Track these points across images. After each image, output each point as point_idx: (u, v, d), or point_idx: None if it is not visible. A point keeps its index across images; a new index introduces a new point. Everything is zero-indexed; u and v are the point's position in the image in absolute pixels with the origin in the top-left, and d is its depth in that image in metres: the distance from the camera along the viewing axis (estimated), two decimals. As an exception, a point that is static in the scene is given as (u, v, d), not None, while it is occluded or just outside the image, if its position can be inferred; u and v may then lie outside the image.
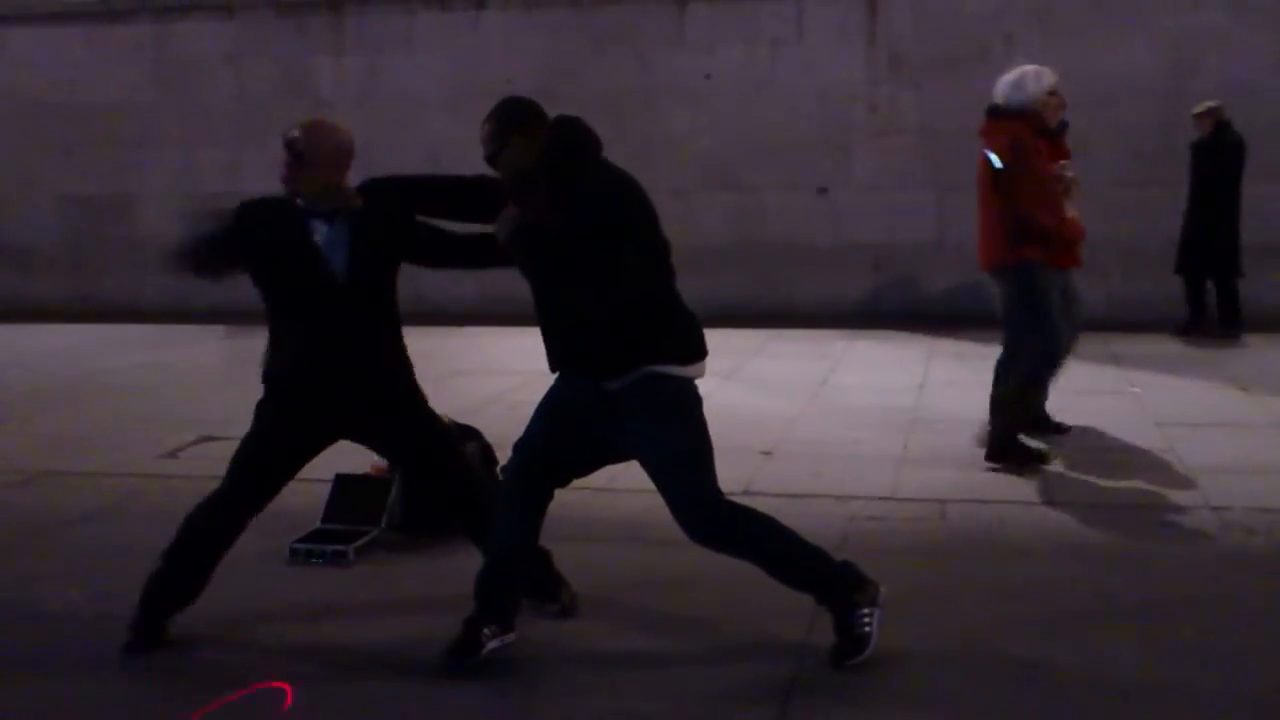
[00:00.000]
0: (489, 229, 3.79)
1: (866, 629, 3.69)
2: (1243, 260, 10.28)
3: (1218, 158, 10.23)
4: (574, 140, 3.67)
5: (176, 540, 3.96)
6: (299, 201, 3.91)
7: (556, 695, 3.63)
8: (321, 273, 3.88)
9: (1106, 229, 11.62)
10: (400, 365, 4.06)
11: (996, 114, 6.12)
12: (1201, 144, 10.31)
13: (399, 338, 4.07)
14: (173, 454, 6.76)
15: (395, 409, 4.03)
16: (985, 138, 6.13)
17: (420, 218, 4.02)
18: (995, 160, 5.97)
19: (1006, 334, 6.31)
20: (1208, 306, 10.52)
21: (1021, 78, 6.10)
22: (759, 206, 12.52)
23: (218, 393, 8.04)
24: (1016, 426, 6.15)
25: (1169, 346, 9.97)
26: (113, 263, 13.49)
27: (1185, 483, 5.79)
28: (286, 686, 3.60)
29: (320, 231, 3.89)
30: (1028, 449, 6.10)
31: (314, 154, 3.85)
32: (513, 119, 3.64)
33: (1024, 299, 6.07)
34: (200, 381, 9.12)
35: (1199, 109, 10.33)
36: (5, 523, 5.47)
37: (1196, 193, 10.36)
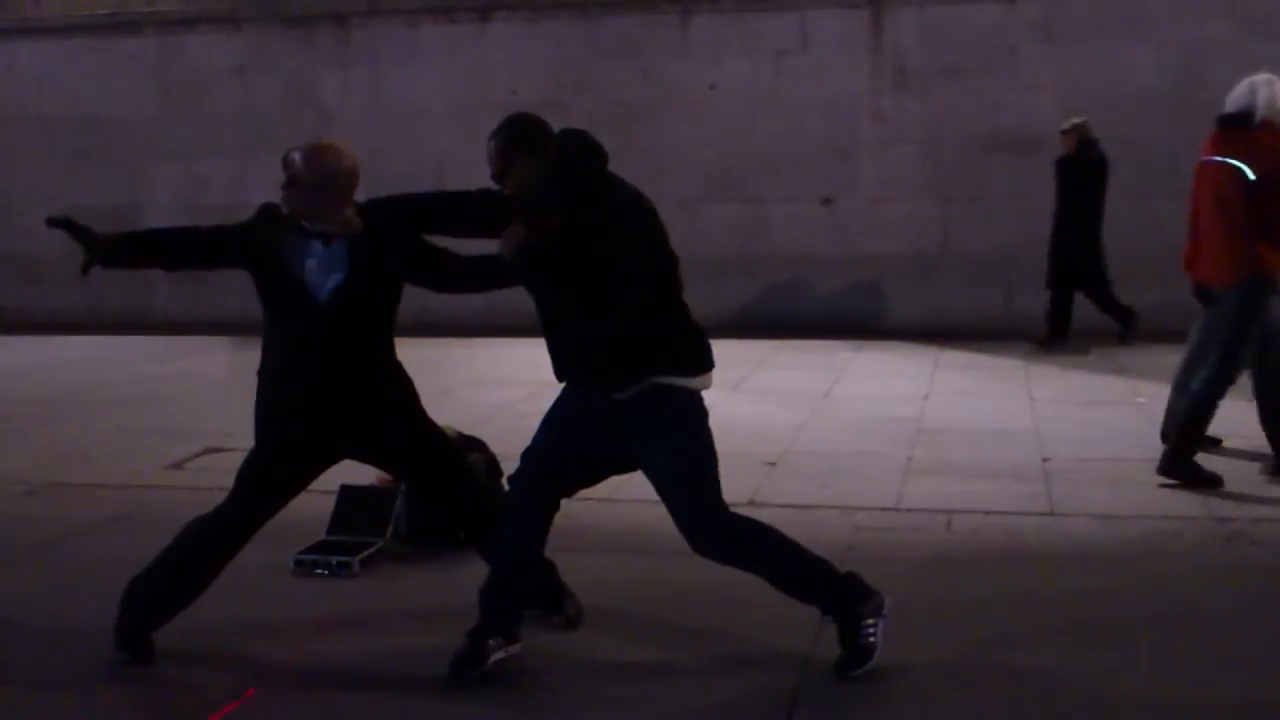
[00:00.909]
0: (493, 250, 3.77)
1: (871, 640, 3.69)
2: (1108, 270, 10.63)
3: (1081, 174, 10.50)
4: (581, 155, 3.67)
5: (171, 551, 3.95)
6: (303, 222, 3.90)
7: (561, 707, 3.63)
8: (300, 295, 3.87)
9: (1110, 240, 11.67)
10: (390, 383, 4.03)
11: (1239, 124, 5.90)
12: (1065, 160, 10.59)
13: (389, 356, 4.03)
14: (178, 465, 6.77)
15: (391, 426, 4.02)
16: (1223, 148, 5.93)
17: (424, 239, 4.00)
18: (1249, 171, 5.77)
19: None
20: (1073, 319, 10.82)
21: (1272, 88, 5.87)
22: (764, 217, 12.53)
23: (224, 404, 8.04)
24: (1194, 446, 5.97)
25: (1175, 357, 9.91)
26: (120, 274, 13.47)
27: (1191, 494, 5.77)
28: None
29: (315, 253, 3.88)
30: (1200, 471, 5.91)
31: (307, 179, 3.82)
32: (517, 137, 3.63)
33: (1244, 315, 5.87)
34: (206, 393, 9.14)
35: (1065, 126, 10.60)
36: (10, 534, 5.47)
37: (1062, 208, 10.66)
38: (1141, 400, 8.13)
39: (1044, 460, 6.46)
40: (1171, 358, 9.80)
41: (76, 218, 3.86)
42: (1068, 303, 10.77)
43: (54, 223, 3.88)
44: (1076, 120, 10.55)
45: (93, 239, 3.87)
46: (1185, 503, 5.62)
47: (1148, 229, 11.62)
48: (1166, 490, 5.82)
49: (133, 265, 4.11)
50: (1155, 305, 11.49)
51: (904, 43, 12.25)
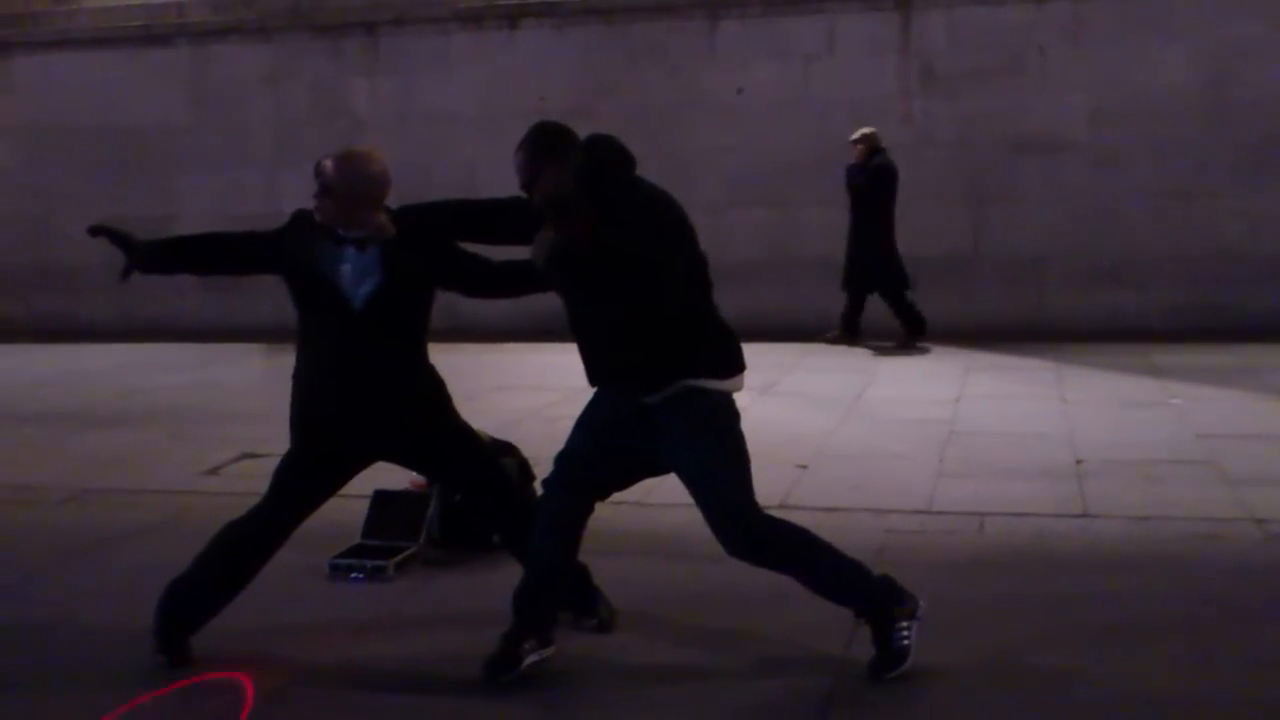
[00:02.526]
0: (524, 255, 3.79)
1: (905, 642, 3.69)
2: (907, 273, 11.06)
3: (869, 182, 10.99)
4: (608, 160, 3.68)
5: (208, 553, 4.00)
6: (337, 229, 3.94)
7: (595, 710, 3.64)
8: (336, 301, 3.91)
9: (1144, 241, 11.63)
10: (423, 388, 4.05)
11: None
12: (854, 169, 11.10)
13: (422, 361, 4.06)
14: (214, 471, 6.83)
15: (423, 430, 4.05)
16: None
17: (456, 244, 4.04)
18: None
19: None
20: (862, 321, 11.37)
21: None
22: (793, 221, 12.51)
23: (258, 410, 8.10)
24: None
25: (1209, 358, 9.89)
26: (155, 283, 13.63)
27: (1226, 495, 5.74)
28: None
29: (350, 259, 3.92)
30: None
31: (340, 186, 3.85)
32: (544, 146, 3.64)
33: None
34: (240, 399, 9.21)
35: (854, 136, 11.09)
36: (50, 540, 5.53)
37: (854, 215, 11.15)
38: (1176, 401, 8.08)
39: (1077, 462, 6.43)
40: (1204, 358, 9.80)
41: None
42: (860, 305, 11.30)
43: (95, 231, 3.95)
44: (865, 130, 11.10)
45: (132, 244, 3.94)
46: (1221, 504, 5.58)
47: (1179, 230, 11.57)
48: (1202, 492, 5.78)
49: (170, 270, 4.16)
50: (1188, 306, 11.44)
51: (932, 45, 12.21)
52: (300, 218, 4.01)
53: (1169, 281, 11.59)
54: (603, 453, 3.81)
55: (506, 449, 5.10)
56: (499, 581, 4.19)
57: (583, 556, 3.99)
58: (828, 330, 11.37)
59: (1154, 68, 11.63)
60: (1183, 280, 11.54)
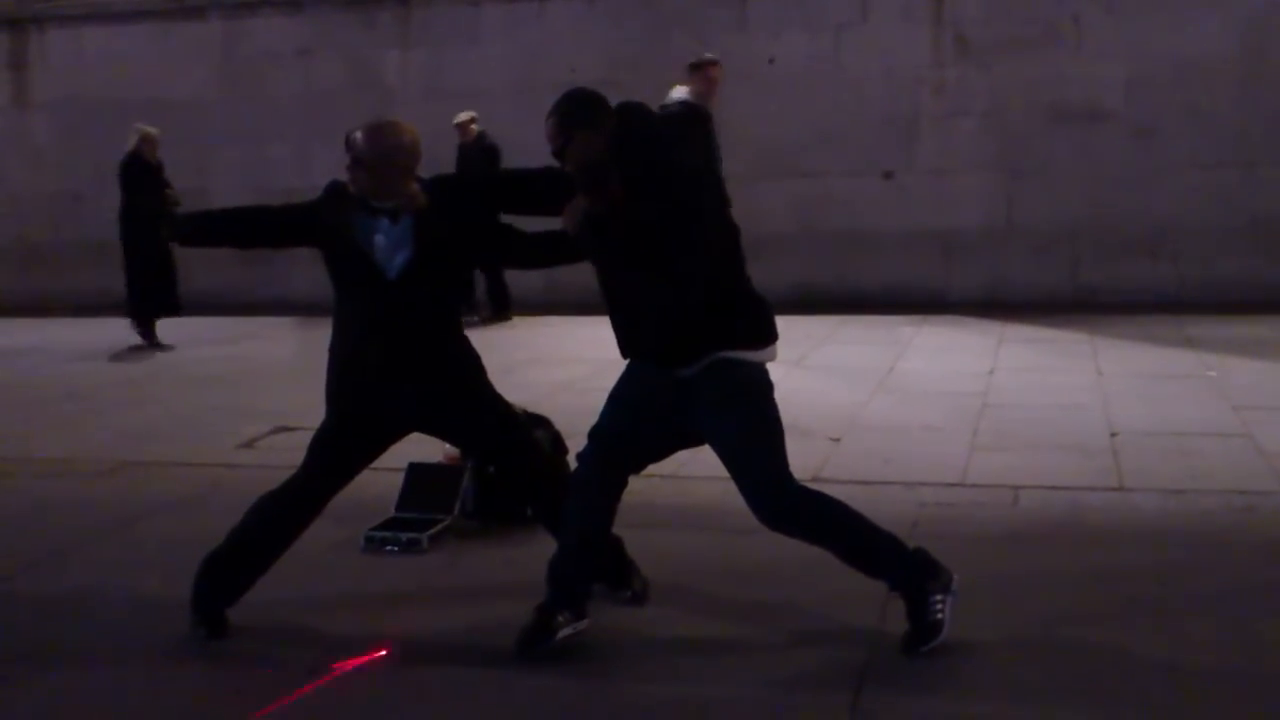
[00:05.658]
0: (556, 227, 3.79)
1: (939, 616, 3.68)
2: None
3: (482, 160, 11.38)
4: (640, 127, 3.67)
5: (244, 525, 4.04)
6: (370, 200, 3.94)
7: (629, 681, 3.65)
8: (370, 272, 3.92)
9: (1178, 211, 11.50)
10: (457, 359, 4.07)
11: None
12: (466, 147, 11.66)
13: (456, 331, 4.08)
14: (250, 444, 6.88)
15: (457, 401, 4.06)
16: None
17: (489, 215, 4.03)
18: None
19: None
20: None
21: None
22: (825, 192, 12.45)
23: (293, 383, 8.15)
24: None
25: (1245, 329, 9.80)
26: (187, 256, 13.73)
27: (1262, 467, 5.69)
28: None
29: (383, 230, 3.93)
30: None
31: (370, 157, 3.87)
32: (576, 112, 3.64)
33: None
34: (275, 373, 9.26)
35: (461, 118, 11.72)
36: (87, 513, 5.59)
37: None
38: (1211, 373, 8.01)
39: (1112, 435, 6.39)
40: (1240, 330, 9.70)
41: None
42: (498, 277, 11.35)
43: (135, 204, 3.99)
44: (471, 114, 11.81)
45: (171, 218, 3.97)
46: (1258, 477, 5.54)
47: (1215, 200, 11.44)
48: (1238, 464, 5.74)
49: (207, 243, 4.19)
50: (1224, 275, 11.33)
51: (966, 13, 12.09)
52: (335, 189, 4.02)
53: (1204, 253, 11.47)
54: (636, 426, 3.81)
55: (540, 422, 5.12)
56: (533, 554, 4.21)
57: (616, 529, 4.00)
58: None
59: (1190, 36, 11.48)
60: (1218, 251, 11.42)
